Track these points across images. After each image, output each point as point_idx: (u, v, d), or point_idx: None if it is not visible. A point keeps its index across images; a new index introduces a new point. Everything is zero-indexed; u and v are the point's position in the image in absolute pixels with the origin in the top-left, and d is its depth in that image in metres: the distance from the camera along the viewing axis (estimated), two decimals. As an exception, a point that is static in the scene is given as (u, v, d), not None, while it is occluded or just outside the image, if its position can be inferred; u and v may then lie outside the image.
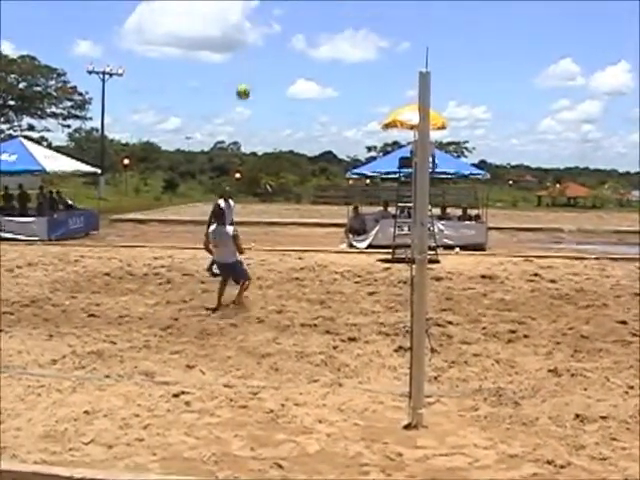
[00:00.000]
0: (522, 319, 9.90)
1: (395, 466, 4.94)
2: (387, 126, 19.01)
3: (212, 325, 9.27)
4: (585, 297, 11.89)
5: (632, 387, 6.68)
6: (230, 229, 10.61)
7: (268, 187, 66.56)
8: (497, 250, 19.62)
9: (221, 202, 13.09)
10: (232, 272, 10.66)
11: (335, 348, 8.12)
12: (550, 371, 7.24)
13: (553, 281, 13.62)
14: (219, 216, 10.76)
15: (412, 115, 15.70)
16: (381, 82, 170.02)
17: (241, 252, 10.72)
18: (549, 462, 4.99)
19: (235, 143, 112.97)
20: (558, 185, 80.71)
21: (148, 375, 6.96)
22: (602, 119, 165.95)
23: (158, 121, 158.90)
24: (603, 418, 5.82)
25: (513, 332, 9.05)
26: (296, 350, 7.95)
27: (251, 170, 75.68)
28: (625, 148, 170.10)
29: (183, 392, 6.39)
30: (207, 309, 10.28)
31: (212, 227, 10.74)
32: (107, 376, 6.92)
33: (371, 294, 11.91)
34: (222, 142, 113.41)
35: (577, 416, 5.86)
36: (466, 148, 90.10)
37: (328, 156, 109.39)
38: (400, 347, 8.02)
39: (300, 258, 16.54)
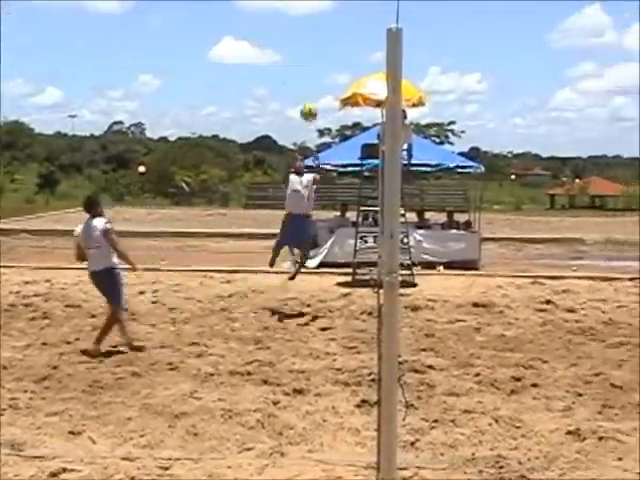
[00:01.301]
0: (529, 362, 10.02)
1: None
2: (345, 102, 19.11)
3: (106, 374, 9.17)
4: (616, 332, 12.09)
5: (689, 457, 6.78)
6: (100, 221, 10.67)
7: (184, 185, 66.31)
8: (495, 269, 19.84)
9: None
10: (104, 287, 10.75)
11: (276, 404, 8.11)
12: (570, 433, 7.33)
13: (572, 310, 13.83)
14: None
15: (379, 87, 15.83)
16: (338, 42, 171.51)
17: (122, 257, 10.73)
18: None
19: (138, 125, 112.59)
20: (578, 180, 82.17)
21: (14, 447, 6.84)
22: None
23: (29, 93, 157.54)
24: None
25: (518, 380, 9.17)
26: (222, 407, 7.91)
27: (161, 162, 75.35)
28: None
29: (65, 469, 6.30)
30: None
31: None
32: (-46, 450, 6.79)
33: (324, 330, 11.96)
34: (120, 123, 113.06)
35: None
36: (452, 131, 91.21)
37: (266, 142, 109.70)
38: (364, 401, 8.06)
39: (228, 282, 16.52)
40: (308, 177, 13.89)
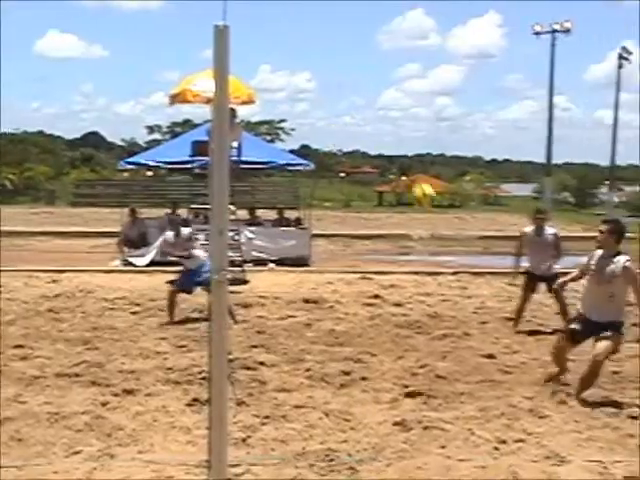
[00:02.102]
0: (358, 356, 10.21)
1: None
2: (175, 98, 18.98)
3: None
4: (441, 324, 12.50)
5: (504, 441, 7.06)
6: None
7: (7, 182, 64.17)
8: (325, 265, 20.11)
9: None
10: None
11: (104, 405, 7.97)
12: (396, 424, 7.50)
13: (398, 304, 14.21)
14: None
15: (208, 84, 15.75)
16: (168, 39, 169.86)
17: None
18: None
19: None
20: (404, 178, 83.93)
21: None
22: (463, 90, 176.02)
23: None
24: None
25: (347, 374, 9.32)
26: (49, 411, 7.70)
27: (-18, 158, 72.54)
28: (493, 128, 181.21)
29: None
30: None
31: None
32: None
33: (155, 329, 11.83)
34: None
35: (433, 482, 6.11)
36: (283, 129, 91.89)
37: (94, 139, 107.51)
38: (195, 400, 8.02)
39: (54, 281, 16.14)
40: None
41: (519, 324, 12.25)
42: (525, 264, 12.54)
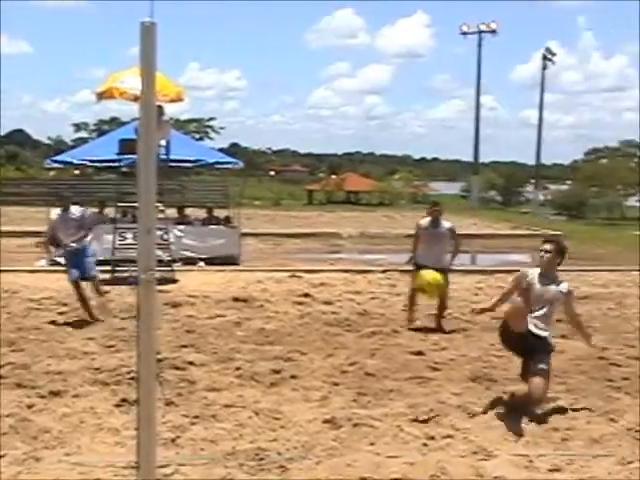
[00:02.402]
0: (288, 354, 10.21)
1: None
2: (102, 96, 18.72)
3: None
4: (370, 322, 12.58)
5: (433, 437, 7.13)
6: None
7: None
8: (255, 264, 20.11)
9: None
10: None
11: (30, 407, 7.83)
12: (326, 422, 7.52)
13: (328, 303, 14.26)
14: None
15: (136, 82, 15.59)
16: (94, 36, 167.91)
17: None
18: None
19: None
20: (334, 176, 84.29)
21: None
22: (392, 89, 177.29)
23: None
24: (396, 481, 6.16)
25: (277, 372, 9.32)
26: (-28, 415, 7.56)
27: None
28: (422, 127, 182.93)
29: None
30: None
31: None
32: None
33: (81, 328, 11.70)
34: None
35: (363, 480, 6.14)
36: (212, 127, 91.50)
37: (19, 137, 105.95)
38: (124, 400, 7.93)
39: (-22, 282, 15.81)
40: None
41: (414, 320, 12.39)
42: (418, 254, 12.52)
